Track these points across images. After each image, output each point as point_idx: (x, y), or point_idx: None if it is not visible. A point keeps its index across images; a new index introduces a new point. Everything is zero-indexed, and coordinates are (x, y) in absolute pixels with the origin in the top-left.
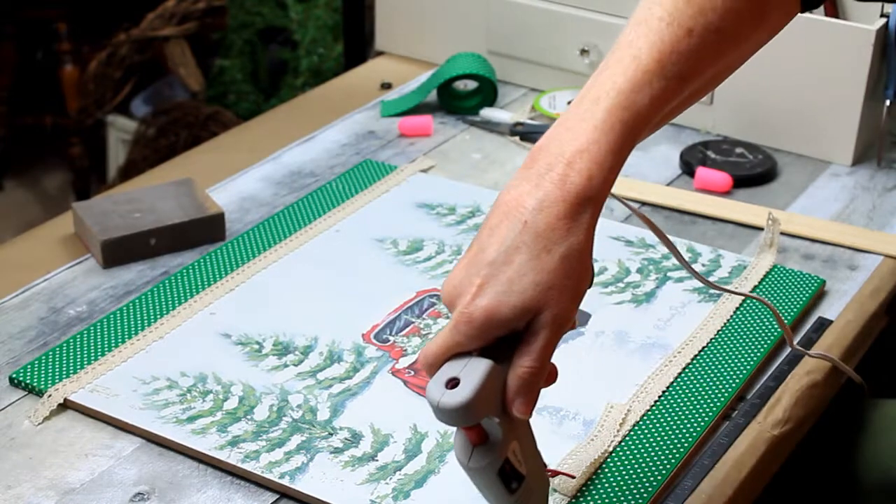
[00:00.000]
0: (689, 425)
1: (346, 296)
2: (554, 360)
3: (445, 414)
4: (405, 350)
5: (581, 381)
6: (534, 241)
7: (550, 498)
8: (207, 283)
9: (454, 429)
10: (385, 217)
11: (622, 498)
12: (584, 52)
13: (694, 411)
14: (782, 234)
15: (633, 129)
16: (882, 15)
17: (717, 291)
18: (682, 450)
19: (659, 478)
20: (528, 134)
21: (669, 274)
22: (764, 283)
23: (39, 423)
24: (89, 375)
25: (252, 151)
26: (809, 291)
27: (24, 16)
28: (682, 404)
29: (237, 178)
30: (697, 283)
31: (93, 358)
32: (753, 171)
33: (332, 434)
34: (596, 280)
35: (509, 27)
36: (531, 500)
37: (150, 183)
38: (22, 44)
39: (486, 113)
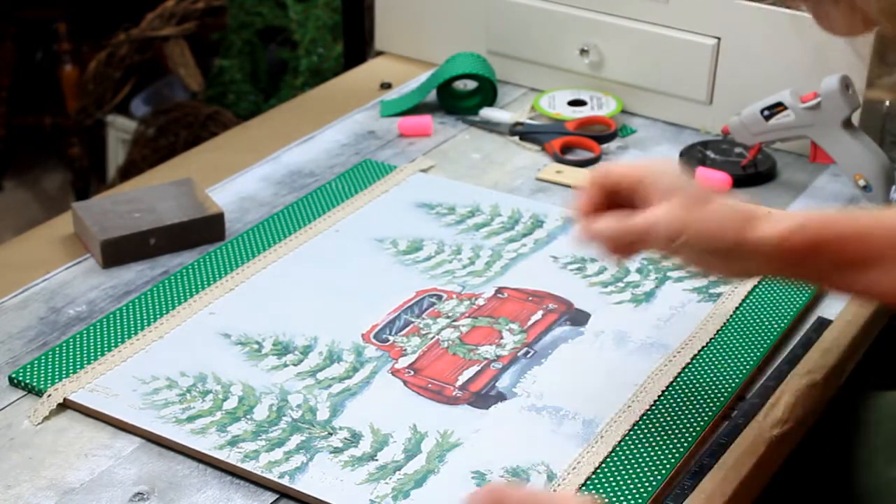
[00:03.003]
0: (688, 425)
1: (346, 296)
2: (554, 359)
3: None
4: (405, 350)
5: (581, 381)
6: None
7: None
8: (207, 283)
9: (453, 428)
10: (385, 217)
11: (622, 498)
12: (584, 52)
13: (693, 411)
14: None
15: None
16: None
17: (717, 291)
18: (681, 450)
19: (658, 477)
20: (527, 134)
21: (669, 274)
22: (764, 282)
23: (39, 423)
24: (89, 375)
25: (252, 151)
26: (809, 291)
27: (23, 16)
28: (681, 404)
29: (237, 178)
30: (697, 283)
31: (92, 358)
32: (753, 171)
33: (331, 434)
34: (595, 280)
35: (509, 27)
36: None
37: (149, 183)
38: (21, 44)
39: (486, 113)
